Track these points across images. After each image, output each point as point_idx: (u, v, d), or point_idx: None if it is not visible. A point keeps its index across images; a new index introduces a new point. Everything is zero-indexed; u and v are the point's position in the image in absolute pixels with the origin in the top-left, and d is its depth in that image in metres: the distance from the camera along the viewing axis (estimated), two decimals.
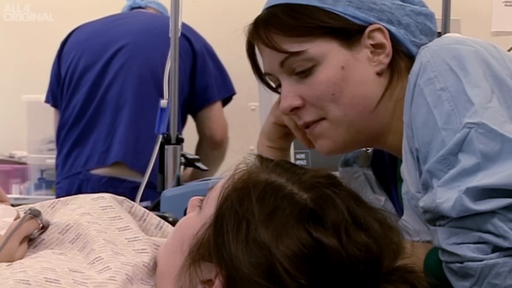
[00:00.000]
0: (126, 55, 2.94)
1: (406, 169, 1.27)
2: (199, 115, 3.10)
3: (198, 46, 3.03)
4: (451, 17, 2.21)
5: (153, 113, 2.75)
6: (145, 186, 2.28)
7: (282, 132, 1.49)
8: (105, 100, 2.93)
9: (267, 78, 1.43)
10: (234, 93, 3.13)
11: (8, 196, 3.89)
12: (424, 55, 1.25)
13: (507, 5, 2.87)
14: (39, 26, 4.19)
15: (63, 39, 3.11)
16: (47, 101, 3.17)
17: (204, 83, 3.04)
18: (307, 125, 1.37)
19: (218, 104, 3.10)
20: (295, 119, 1.39)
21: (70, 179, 2.96)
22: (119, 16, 3.17)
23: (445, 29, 2.14)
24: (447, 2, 2.20)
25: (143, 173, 2.31)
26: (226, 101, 3.15)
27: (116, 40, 2.97)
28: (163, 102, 2.29)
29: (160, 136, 2.29)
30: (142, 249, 1.17)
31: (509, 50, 2.81)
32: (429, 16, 1.39)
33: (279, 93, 1.41)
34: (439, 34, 1.86)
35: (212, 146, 3.10)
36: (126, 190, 2.75)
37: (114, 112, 2.92)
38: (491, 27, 2.99)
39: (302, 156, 1.90)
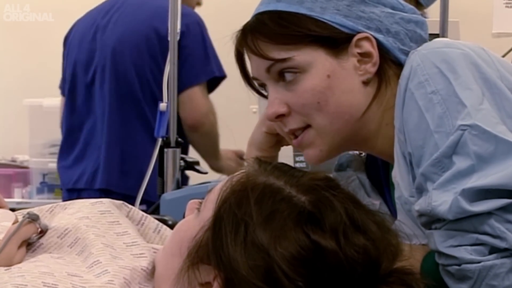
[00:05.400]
0: (104, 74, 2.86)
1: (399, 174, 1.26)
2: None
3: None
4: (450, 19, 2.21)
5: (135, 129, 2.73)
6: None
7: (273, 141, 1.48)
8: (95, 119, 2.89)
9: (255, 83, 1.43)
10: (215, 75, 2.92)
11: (10, 200, 3.89)
12: (414, 59, 1.25)
13: (507, 6, 2.87)
14: (39, 26, 4.19)
15: (64, 37, 3.05)
16: (61, 89, 3.07)
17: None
18: (293, 132, 1.37)
19: (195, 88, 2.89)
20: (281, 126, 1.38)
21: (68, 192, 2.96)
22: (107, 6, 2.99)
23: (443, 31, 2.14)
24: (445, 4, 2.20)
25: (133, 191, 2.31)
26: (215, 84, 2.97)
27: (98, 53, 2.88)
28: (163, 106, 2.29)
29: (160, 139, 2.29)
30: (140, 254, 1.17)
31: (509, 51, 2.82)
32: (420, 23, 1.38)
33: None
34: (437, 37, 1.87)
35: (186, 129, 2.91)
36: (119, 198, 2.73)
37: (101, 133, 2.88)
38: (492, 28, 2.99)
39: (302, 158, 1.89)
